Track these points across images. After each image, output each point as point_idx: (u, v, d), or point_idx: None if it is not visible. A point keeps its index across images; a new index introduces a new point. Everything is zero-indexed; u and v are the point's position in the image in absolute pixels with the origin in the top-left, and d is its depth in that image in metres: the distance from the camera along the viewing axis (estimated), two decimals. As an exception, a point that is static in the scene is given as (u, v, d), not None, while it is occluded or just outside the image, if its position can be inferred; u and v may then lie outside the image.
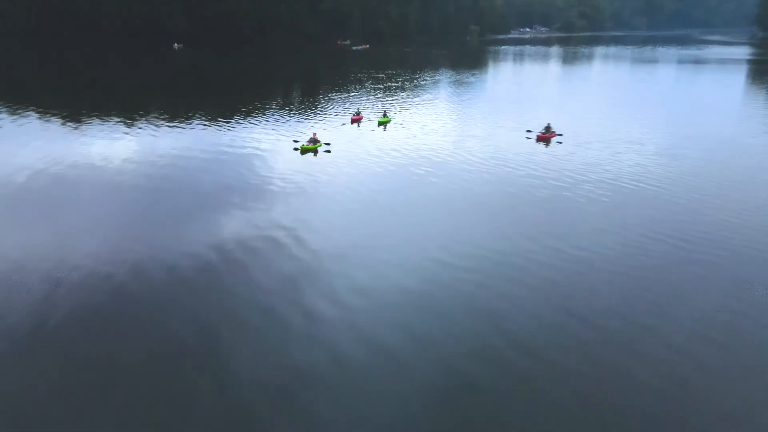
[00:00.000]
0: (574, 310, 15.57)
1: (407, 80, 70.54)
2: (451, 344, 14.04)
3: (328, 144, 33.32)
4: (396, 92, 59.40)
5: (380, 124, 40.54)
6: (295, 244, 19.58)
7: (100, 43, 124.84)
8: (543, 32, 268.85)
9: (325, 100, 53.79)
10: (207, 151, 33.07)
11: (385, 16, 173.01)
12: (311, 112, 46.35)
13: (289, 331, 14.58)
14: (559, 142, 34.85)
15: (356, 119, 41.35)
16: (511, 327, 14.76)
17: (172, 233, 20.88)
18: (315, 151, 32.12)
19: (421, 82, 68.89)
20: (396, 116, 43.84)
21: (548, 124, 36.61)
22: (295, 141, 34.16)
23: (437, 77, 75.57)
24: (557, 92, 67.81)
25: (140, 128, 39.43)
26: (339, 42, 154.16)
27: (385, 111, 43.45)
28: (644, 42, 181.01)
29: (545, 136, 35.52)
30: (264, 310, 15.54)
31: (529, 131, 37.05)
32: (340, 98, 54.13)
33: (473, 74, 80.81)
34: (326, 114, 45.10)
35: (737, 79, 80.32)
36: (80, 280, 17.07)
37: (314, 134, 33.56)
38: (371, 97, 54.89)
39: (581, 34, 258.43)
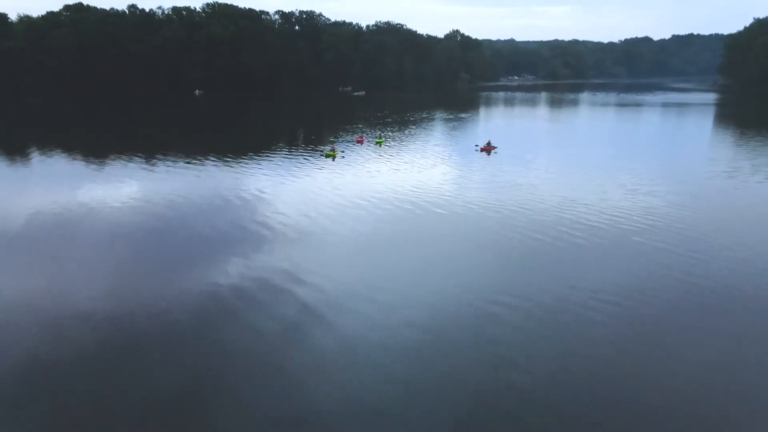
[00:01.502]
0: (576, 352, 15.92)
1: (400, 118, 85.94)
2: (451, 389, 14.24)
3: (343, 151, 48.65)
4: (390, 125, 74.62)
5: (377, 143, 55.43)
6: (296, 289, 19.84)
7: (128, 90, 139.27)
8: (530, 80, 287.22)
9: (334, 129, 68.59)
10: (212, 194, 35.09)
11: (382, 66, 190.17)
12: (318, 146, 54.58)
13: (289, 378, 14.66)
14: (496, 153, 49.44)
15: (360, 140, 56.35)
16: (513, 373, 14.93)
17: (172, 278, 21.30)
18: (333, 157, 46.87)
19: (411, 119, 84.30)
20: (389, 140, 58.73)
21: (488, 140, 51.58)
22: (321, 152, 49.04)
23: (426, 116, 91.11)
24: (533, 126, 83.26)
25: (154, 170, 43.13)
26: (341, 88, 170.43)
27: (380, 134, 58.95)
28: (614, 89, 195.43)
29: (486, 148, 50.30)
30: (262, 357, 15.65)
31: (476, 145, 51.73)
32: (346, 129, 69.09)
33: (456, 113, 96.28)
34: (338, 137, 59.90)
35: (672, 117, 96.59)
36: (76, 326, 17.25)
37: (333, 147, 48.65)
38: (370, 128, 69.88)
39: (565, 81, 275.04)
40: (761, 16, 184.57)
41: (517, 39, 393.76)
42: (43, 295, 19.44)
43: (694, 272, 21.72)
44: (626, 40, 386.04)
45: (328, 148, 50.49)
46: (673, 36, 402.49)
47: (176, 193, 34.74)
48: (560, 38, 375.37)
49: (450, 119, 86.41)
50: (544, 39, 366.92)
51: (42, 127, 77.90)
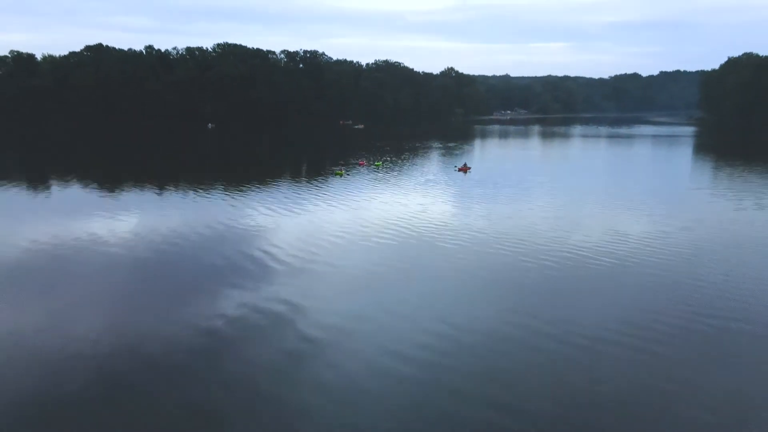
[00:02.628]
0: (582, 386, 16.16)
1: (396, 146, 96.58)
2: (449, 427, 14.38)
3: (348, 172, 59.14)
4: (388, 152, 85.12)
5: (376, 165, 65.88)
6: (295, 322, 20.27)
7: (145, 124, 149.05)
8: (522, 114, 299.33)
9: (339, 155, 78.67)
10: (217, 225, 36.07)
11: (381, 101, 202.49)
12: (326, 169, 63.38)
13: (288, 410, 14.91)
14: (470, 172, 59.89)
15: (361, 163, 66.90)
16: (515, 411, 15.05)
17: (173, 311, 21.61)
18: (341, 175, 57.37)
19: (406, 147, 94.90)
20: (386, 164, 69.11)
21: (465, 162, 62.41)
22: (332, 170, 59.51)
23: (419, 145, 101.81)
24: (517, 155, 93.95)
25: (162, 201, 44.91)
26: (341, 122, 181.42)
27: (379, 158, 69.63)
28: (597, 122, 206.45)
29: (462, 169, 61.14)
30: (262, 389, 15.91)
31: (455, 166, 62.49)
32: (349, 155, 79.45)
33: (445, 143, 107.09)
34: (343, 161, 70.15)
35: (647, 147, 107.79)
36: (75, 361, 17.40)
37: (341, 167, 59.49)
38: (370, 154, 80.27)
39: (555, 115, 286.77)
40: (736, 54, 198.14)
41: (512, 75, 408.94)
42: (42, 332, 19.55)
43: (698, 300, 22.67)
44: (616, 76, 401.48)
45: (337, 168, 61.13)
46: (661, 72, 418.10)
47: (182, 225, 35.57)
48: (554, 74, 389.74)
49: (440, 148, 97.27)
50: (538, 75, 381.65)
51: (62, 157, 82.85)
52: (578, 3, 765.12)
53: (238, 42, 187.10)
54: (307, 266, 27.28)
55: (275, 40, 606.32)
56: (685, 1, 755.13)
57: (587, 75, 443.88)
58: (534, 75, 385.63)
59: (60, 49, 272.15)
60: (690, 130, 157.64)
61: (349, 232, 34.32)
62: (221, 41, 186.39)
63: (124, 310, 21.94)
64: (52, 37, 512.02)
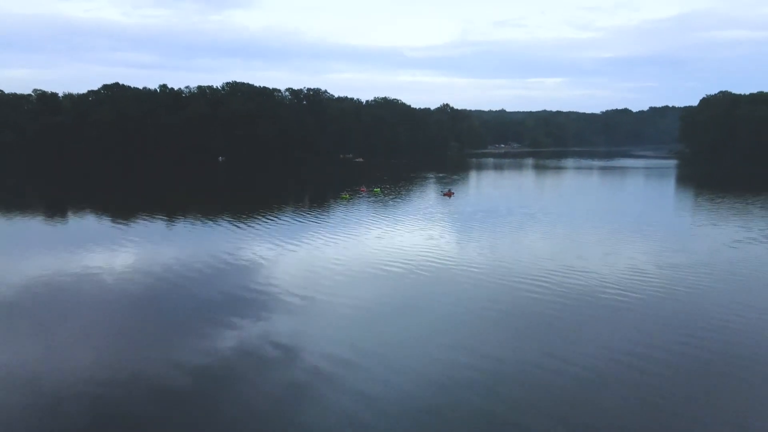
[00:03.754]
0: (582, 420, 16.43)
1: (393, 177, 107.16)
2: None
3: (351, 197, 69.29)
4: (386, 182, 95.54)
5: (375, 192, 76.27)
6: (294, 358, 20.29)
7: (160, 157, 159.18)
8: (515, 148, 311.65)
9: (342, 184, 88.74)
10: (218, 257, 36.52)
11: (379, 136, 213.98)
12: (328, 201, 70.78)
13: None
14: (453, 196, 70.36)
15: (362, 190, 77.33)
16: None
17: (173, 345, 21.63)
18: (347, 199, 67.51)
19: (403, 178, 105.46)
20: (384, 190, 79.37)
21: (450, 188, 73.33)
22: (339, 194, 69.81)
23: (414, 176, 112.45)
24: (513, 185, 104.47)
25: (169, 232, 46.74)
26: (341, 156, 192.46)
27: (378, 186, 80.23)
28: (581, 156, 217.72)
29: (447, 194, 72.13)
30: (260, 426, 16.10)
31: (442, 191, 73.34)
32: (351, 184, 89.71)
33: (437, 174, 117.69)
34: (346, 189, 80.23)
35: (629, 179, 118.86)
36: (70, 396, 17.54)
37: (346, 192, 70.05)
38: (369, 183, 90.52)
39: (547, 149, 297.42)
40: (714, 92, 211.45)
41: (508, 109, 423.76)
42: (39, 367, 19.60)
43: (700, 329, 23.21)
44: (606, 111, 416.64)
45: (343, 193, 71.69)
46: (651, 108, 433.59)
47: (185, 257, 36.18)
48: (549, 108, 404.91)
49: (431, 178, 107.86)
50: (534, 109, 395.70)
51: (79, 189, 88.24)
52: (575, 40, 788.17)
53: (245, 81, 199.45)
54: (305, 300, 27.38)
55: (277, 75, 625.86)
56: (678, 37, 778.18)
57: (581, 110, 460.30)
58: (529, 110, 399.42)
59: (77, 88, 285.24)
60: (667, 163, 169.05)
61: (347, 264, 35.16)
62: (229, 79, 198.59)
63: (123, 344, 22.04)
64: (55, 72, 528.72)
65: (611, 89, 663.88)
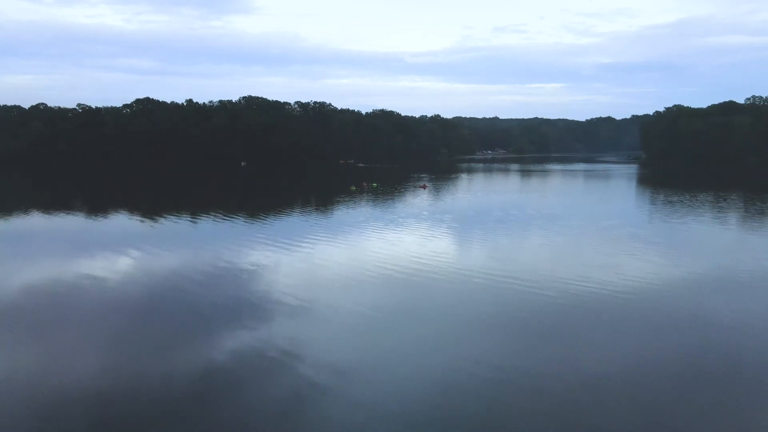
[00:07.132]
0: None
1: (389, 179, 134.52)
2: None
3: (356, 189, 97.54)
4: (380, 179, 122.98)
5: (373, 186, 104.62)
6: (296, 365, 20.35)
7: (187, 164, 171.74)
8: (501, 154, 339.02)
9: (348, 182, 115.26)
10: (223, 261, 36.80)
11: (377, 144, 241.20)
12: (336, 195, 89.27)
13: None
14: (427, 188, 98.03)
15: (365, 185, 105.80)
16: None
17: (171, 353, 21.74)
18: (355, 189, 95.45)
19: (397, 178, 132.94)
20: (380, 186, 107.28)
21: (424, 183, 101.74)
22: (351, 187, 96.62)
23: (403, 177, 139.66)
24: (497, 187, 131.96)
25: (186, 233, 47.52)
26: (341, 161, 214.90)
27: (375, 182, 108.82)
28: (556, 162, 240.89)
29: (422, 186, 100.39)
30: None
31: (418, 184, 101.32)
32: (355, 181, 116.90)
33: (420, 174, 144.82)
34: (352, 185, 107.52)
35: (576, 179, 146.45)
36: (70, 401, 17.59)
37: (354, 186, 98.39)
38: (368, 178, 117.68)
39: (531, 155, 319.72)
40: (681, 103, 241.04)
41: (501, 117, 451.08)
42: (38, 375, 19.60)
43: (703, 337, 23.30)
44: (589, 120, 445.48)
45: (352, 187, 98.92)
46: (632, 116, 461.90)
47: (193, 261, 36.31)
48: (544, 115, 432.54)
49: (415, 177, 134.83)
50: (527, 116, 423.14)
51: (114, 193, 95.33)
52: (575, 45, 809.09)
53: (260, 95, 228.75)
54: (307, 307, 27.35)
55: (277, 81, 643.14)
56: (677, 43, 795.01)
57: (581, 116, 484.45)
58: (522, 117, 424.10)
59: (109, 102, 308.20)
60: (621, 166, 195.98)
61: (347, 267, 35.92)
62: (246, 94, 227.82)
63: (123, 349, 21.95)
64: (56, 78, 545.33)
65: (611, 95, 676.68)
